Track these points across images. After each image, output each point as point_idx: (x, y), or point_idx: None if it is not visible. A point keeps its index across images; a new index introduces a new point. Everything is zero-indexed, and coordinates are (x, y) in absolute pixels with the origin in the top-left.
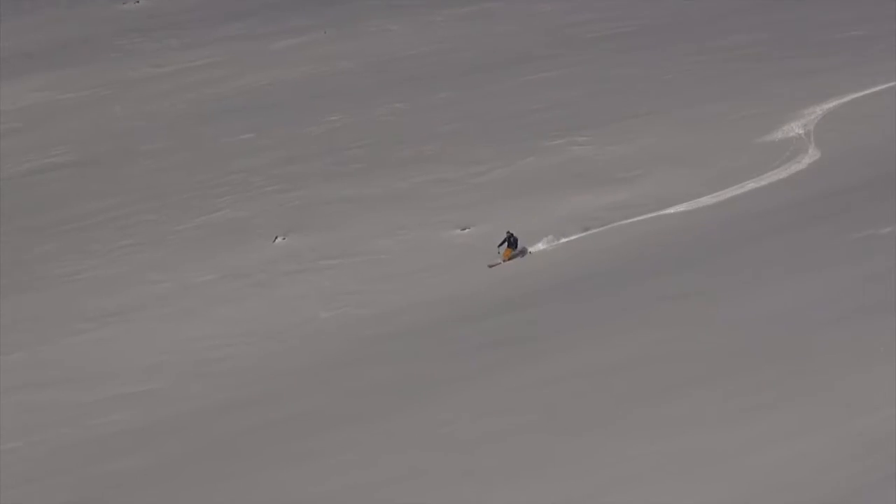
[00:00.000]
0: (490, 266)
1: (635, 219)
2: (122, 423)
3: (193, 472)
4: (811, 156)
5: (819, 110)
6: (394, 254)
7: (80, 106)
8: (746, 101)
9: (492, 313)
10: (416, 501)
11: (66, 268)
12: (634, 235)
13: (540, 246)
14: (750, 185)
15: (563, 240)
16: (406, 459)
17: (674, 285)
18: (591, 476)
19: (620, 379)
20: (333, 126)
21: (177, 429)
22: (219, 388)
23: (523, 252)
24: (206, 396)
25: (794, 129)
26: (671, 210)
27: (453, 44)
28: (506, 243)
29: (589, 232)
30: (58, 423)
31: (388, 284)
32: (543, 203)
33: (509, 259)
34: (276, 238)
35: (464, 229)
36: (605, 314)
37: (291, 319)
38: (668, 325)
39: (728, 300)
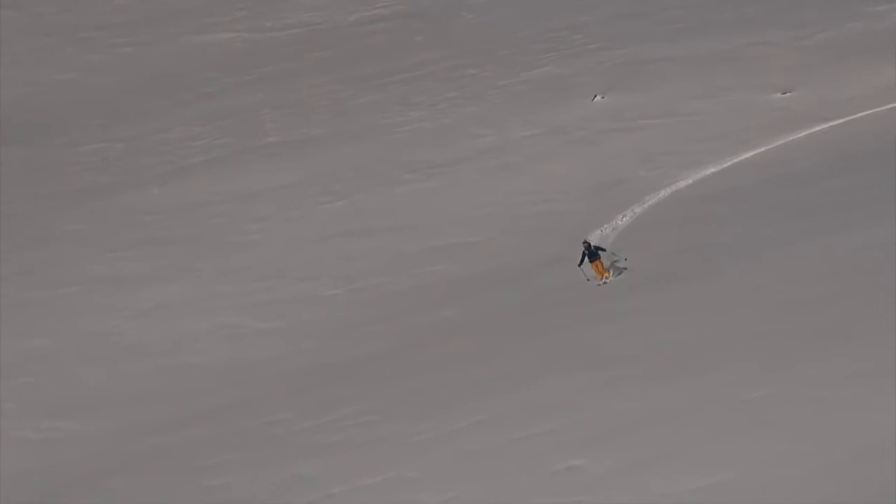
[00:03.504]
0: (599, 286)
1: None
2: (443, 274)
3: (510, 326)
4: None
5: None
6: (713, 115)
7: None
8: None
9: (812, 178)
10: (731, 362)
11: (390, 119)
12: None
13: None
14: None
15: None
16: (719, 321)
17: None
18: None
19: None
20: None
21: (496, 282)
22: (538, 243)
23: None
24: (525, 251)
25: None
26: None
27: None
28: (585, 258)
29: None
30: (379, 271)
31: (707, 145)
32: (865, 70)
33: (610, 274)
34: (596, 96)
35: (784, 93)
36: None
37: (610, 177)
38: None
39: None
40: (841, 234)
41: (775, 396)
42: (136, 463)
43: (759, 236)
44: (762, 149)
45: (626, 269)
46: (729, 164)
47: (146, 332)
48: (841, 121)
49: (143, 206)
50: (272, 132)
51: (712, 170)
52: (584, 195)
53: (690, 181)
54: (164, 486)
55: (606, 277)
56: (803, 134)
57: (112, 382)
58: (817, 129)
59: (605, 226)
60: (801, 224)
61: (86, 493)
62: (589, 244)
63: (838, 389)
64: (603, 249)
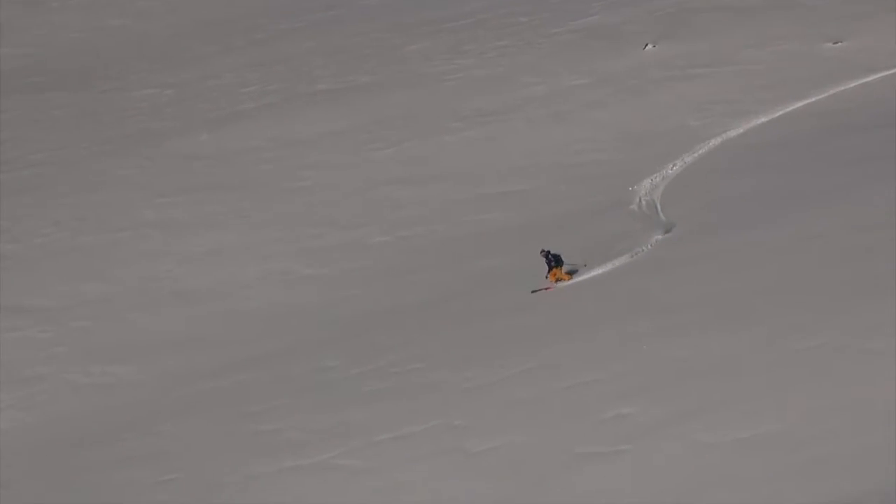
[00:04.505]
0: (534, 291)
1: None
2: (492, 223)
3: None
4: None
5: None
6: (764, 64)
7: None
8: None
9: (863, 128)
10: (781, 312)
11: (439, 67)
12: None
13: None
14: None
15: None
16: (770, 271)
17: None
18: None
19: None
20: None
21: (545, 230)
22: (588, 192)
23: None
24: (575, 199)
25: None
26: None
27: None
28: (549, 267)
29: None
30: (428, 219)
31: (758, 95)
32: None
33: (568, 280)
34: (647, 45)
35: (836, 43)
36: None
37: (661, 126)
38: None
39: None
40: (893, 183)
41: (825, 347)
42: (185, 408)
43: (810, 186)
44: (813, 98)
45: (674, 224)
46: (780, 113)
47: (196, 277)
48: (893, 71)
49: (193, 152)
50: (322, 79)
51: (763, 119)
52: (634, 144)
53: (741, 130)
54: (212, 431)
55: (562, 281)
56: (854, 84)
57: (162, 327)
58: (869, 79)
59: (655, 175)
60: (852, 173)
61: (135, 436)
62: (548, 252)
63: (889, 340)
64: (558, 255)
